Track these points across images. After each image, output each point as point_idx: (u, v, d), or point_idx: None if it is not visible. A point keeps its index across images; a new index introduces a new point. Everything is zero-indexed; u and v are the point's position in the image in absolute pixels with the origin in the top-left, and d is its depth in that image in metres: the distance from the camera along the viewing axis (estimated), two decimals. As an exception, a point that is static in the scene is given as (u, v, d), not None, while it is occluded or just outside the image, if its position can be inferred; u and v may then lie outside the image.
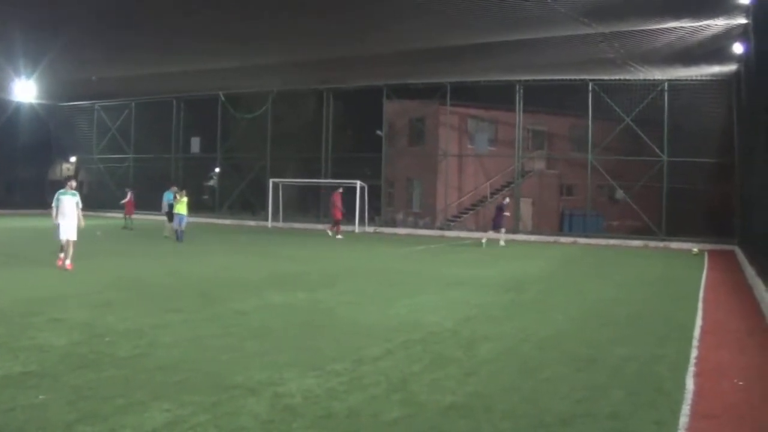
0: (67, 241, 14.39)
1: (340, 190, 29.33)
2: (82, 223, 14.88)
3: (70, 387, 5.85)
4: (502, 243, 24.58)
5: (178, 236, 22.70)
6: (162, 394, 5.72)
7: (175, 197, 23.67)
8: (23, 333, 7.96)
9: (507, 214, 24.88)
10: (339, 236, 27.50)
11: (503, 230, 25.02)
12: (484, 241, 24.60)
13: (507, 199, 25.50)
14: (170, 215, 24.17)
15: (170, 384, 6.03)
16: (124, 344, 7.53)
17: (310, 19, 19.67)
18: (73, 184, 15.13)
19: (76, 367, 6.52)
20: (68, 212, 14.50)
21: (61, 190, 14.75)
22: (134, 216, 29.86)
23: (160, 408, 5.35)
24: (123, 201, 29.76)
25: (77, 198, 14.79)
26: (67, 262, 14.31)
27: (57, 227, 14.45)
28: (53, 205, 14.56)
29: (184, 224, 22.91)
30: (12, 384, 5.90)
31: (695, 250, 24.50)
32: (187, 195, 23.39)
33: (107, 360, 6.83)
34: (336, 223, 28.23)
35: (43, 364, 6.57)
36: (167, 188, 25.87)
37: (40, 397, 5.56)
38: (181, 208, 22.85)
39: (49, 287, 11.88)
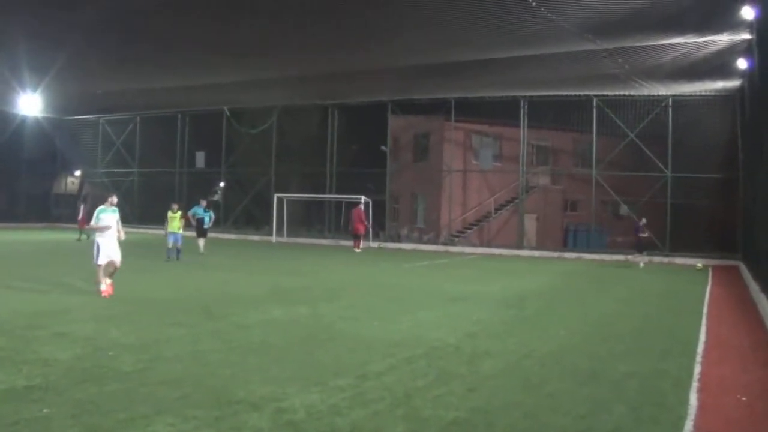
0: (111, 264, 12.78)
1: (361, 205, 30.11)
2: (122, 235, 13.13)
3: (74, 401, 5.87)
4: (641, 265, 24.20)
5: (172, 254, 20.79)
6: (165, 408, 5.74)
7: (178, 212, 21.59)
8: (27, 346, 7.99)
9: (642, 234, 24.35)
10: (358, 250, 28.78)
11: (645, 252, 24.76)
12: (641, 265, 24.16)
13: (644, 220, 24.82)
14: (199, 230, 23.30)
15: (173, 398, 6.05)
16: (127, 358, 7.55)
17: (312, 33, 19.68)
18: (114, 200, 13.42)
19: (80, 381, 6.55)
20: (110, 231, 12.86)
21: (102, 207, 13.09)
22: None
23: (163, 422, 5.37)
24: (80, 217, 29.68)
25: (118, 214, 13.24)
26: (102, 287, 12.64)
27: (97, 249, 12.69)
28: (92, 223, 13.01)
29: (179, 242, 20.88)
30: (16, 397, 5.93)
31: (699, 265, 24.41)
32: (181, 209, 21.57)
33: (111, 374, 6.86)
34: (358, 238, 29.26)
35: (47, 378, 6.59)
36: (197, 203, 24.20)
37: (44, 410, 5.58)
38: (174, 225, 20.82)
39: (52, 301, 11.91)
